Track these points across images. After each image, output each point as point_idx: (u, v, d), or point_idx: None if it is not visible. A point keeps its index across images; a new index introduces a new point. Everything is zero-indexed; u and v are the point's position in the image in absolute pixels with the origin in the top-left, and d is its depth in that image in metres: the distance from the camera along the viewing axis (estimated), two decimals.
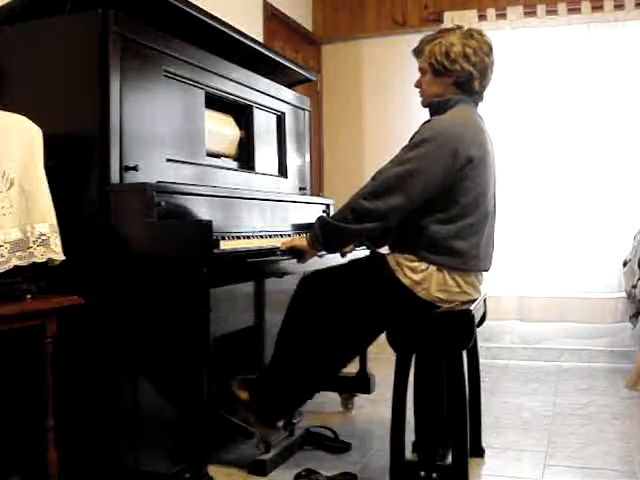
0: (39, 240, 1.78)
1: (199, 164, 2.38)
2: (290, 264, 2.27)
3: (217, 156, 2.57)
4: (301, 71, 3.14)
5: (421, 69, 2.26)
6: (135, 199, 1.94)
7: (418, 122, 2.19)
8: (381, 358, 3.07)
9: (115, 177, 1.98)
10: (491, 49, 2.21)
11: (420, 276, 2.11)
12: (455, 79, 2.18)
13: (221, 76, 2.51)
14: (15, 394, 1.99)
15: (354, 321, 2.17)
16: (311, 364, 2.18)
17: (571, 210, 4.23)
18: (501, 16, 4.34)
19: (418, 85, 2.29)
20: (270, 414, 2.27)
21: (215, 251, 1.91)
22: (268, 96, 2.85)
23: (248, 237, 2.31)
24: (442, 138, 2.07)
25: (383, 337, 2.10)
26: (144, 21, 2.12)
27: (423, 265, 2.11)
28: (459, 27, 2.24)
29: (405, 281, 2.11)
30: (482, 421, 2.50)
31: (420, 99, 2.30)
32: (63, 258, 1.83)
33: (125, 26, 2.03)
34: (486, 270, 2.26)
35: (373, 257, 2.28)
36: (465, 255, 2.12)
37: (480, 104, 2.29)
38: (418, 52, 2.27)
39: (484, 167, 2.16)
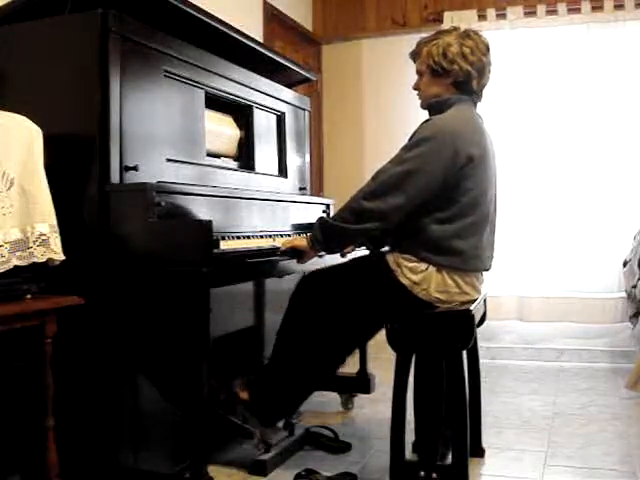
0: (39, 240, 1.78)
1: (199, 164, 2.38)
2: (290, 264, 2.27)
3: (217, 156, 2.57)
4: (301, 71, 3.14)
5: (419, 71, 2.26)
6: (135, 199, 1.94)
7: (418, 122, 2.19)
8: (381, 358, 3.07)
9: (115, 177, 1.98)
10: (488, 48, 2.21)
11: (419, 276, 2.11)
12: (454, 79, 2.18)
13: (221, 76, 2.51)
14: (15, 394, 1.99)
15: (353, 321, 2.17)
16: (310, 364, 2.19)
17: (571, 210, 4.23)
18: (501, 16, 4.34)
19: (416, 88, 2.29)
20: (269, 414, 2.27)
21: (215, 251, 1.91)
22: (268, 96, 2.85)
23: (248, 237, 2.31)
24: (442, 137, 2.07)
25: (383, 337, 2.11)
26: (144, 21, 2.12)
27: (422, 265, 2.11)
28: (455, 28, 2.25)
29: (404, 281, 2.11)
30: (482, 421, 2.50)
31: (419, 102, 2.31)
32: (63, 258, 1.83)
33: (125, 26, 2.03)
34: (486, 270, 2.26)
35: (372, 257, 2.28)
36: (465, 255, 2.12)
37: (479, 104, 2.29)
38: (415, 55, 2.27)
39: (484, 166, 2.16)
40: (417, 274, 2.11)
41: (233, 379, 2.36)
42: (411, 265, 2.11)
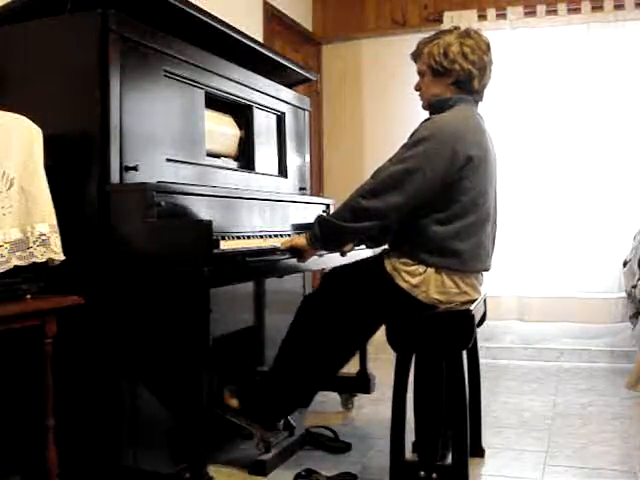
0: (39, 240, 1.78)
1: (199, 164, 2.38)
2: (290, 264, 2.27)
3: (217, 156, 2.57)
4: (301, 71, 3.14)
5: (420, 72, 2.26)
6: (135, 199, 1.94)
7: (418, 122, 2.19)
8: (381, 358, 3.08)
9: (115, 177, 1.98)
10: (489, 47, 2.21)
11: (418, 279, 2.11)
12: (455, 78, 2.18)
13: (221, 76, 2.51)
14: (15, 394, 1.99)
15: (356, 327, 2.20)
16: (313, 369, 2.21)
17: (571, 210, 4.23)
18: (501, 16, 4.34)
19: (418, 88, 2.29)
20: (270, 417, 2.28)
21: (215, 251, 1.91)
22: (268, 96, 2.85)
23: (248, 237, 2.31)
24: (441, 136, 2.07)
25: (383, 337, 2.11)
26: (144, 21, 2.12)
27: (421, 268, 2.11)
28: (456, 28, 2.25)
29: (403, 285, 2.11)
30: (482, 421, 2.50)
31: (421, 102, 2.31)
32: (63, 258, 1.83)
33: (125, 26, 2.03)
34: (486, 270, 2.26)
35: (371, 264, 2.27)
36: (464, 256, 2.12)
37: (480, 103, 2.29)
38: (416, 55, 2.27)
39: (484, 167, 2.16)
40: (415, 277, 2.11)
41: (232, 380, 2.36)
42: (409, 269, 2.11)
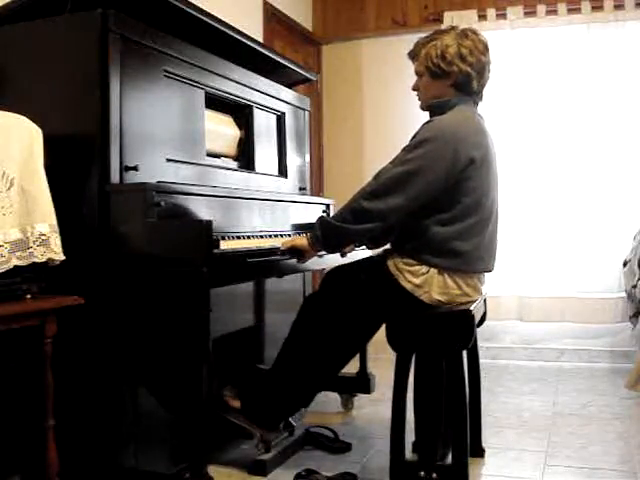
0: (39, 240, 1.78)
1: (199, 164, 2.38)
2: (290, 264, 2.27)
3: (217, 156, 2.57)
4: (301, 71, 3.14)
5: (418, 72, 2.25)
6: (135, 199, 1.94)
7: (418, 122, 2.19)
8: (381, 358, 3.07)
9: (115, 177, 1.98)
10: (487, 48, 2.20)
11: (421, 279, 2.11)
12: (453, 80, 2.17)
13: (221, 76, 2.51)
14: (15, 394, 1.99)
15: (359, 329, 2.20)
16: (315, 369, 2.21)
17: (571, 210, 4.23)
18: (501, 16, 4.34)
19: (416, 88, 2.28)
20: (272, 418, 2.28)
21: (215, 251, 1.91)
22: (268, 96, 2.85)
23: (248, 237, 2.31)
24: (443, 138, 2.07)
25: (383, 337, 2.11)
26: (144, 21, 2.12)
27: (424, 268, 2.11)
28: (453, 28, 2.23)
29: (406, 286, 2.11)
30: (482, 421, 2.50)
31: (419, 102, 2.30)
32: (63, 258, 1.83)
33: (125, 26, 2.03)
34: (489, 271, 2.25)
35: (373, 264, 2.27)
36: (466, 256, 2.12)
37: (480, 104, 2.29)
38: (414, 55, 2.26)
39: (486, 168, 2.16)
40: (418, 277, 2.11)
41: (232, 380, 2.36)
42: (412, 269, 2.11)
